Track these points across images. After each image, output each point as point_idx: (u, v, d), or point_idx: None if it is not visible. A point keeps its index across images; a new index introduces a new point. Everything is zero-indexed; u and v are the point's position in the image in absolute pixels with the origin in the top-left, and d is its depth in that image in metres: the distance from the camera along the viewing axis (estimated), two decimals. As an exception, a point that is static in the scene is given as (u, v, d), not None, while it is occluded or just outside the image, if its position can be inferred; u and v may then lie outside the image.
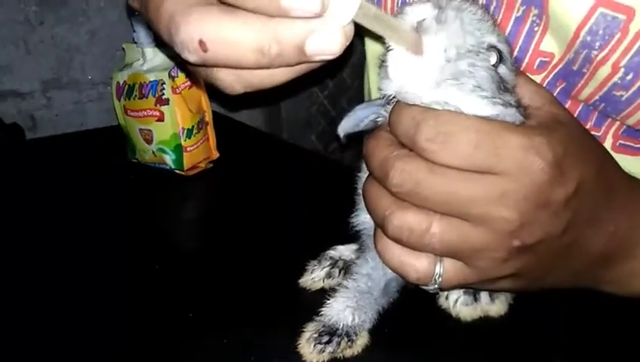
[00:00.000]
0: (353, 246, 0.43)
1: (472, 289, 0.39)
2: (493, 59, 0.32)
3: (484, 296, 0.39)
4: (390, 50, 0.30)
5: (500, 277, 0.33)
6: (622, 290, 0.38)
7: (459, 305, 0.39)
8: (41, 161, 0.70)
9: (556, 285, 0.36)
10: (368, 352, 0.36)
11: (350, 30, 0.25)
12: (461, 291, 0.39)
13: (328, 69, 0.26)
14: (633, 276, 0.37)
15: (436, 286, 0.33)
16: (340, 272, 0.42)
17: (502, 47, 0.32)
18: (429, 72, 0.30)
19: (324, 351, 0.35)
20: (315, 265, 0.43)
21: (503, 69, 0.32)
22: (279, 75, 0.26)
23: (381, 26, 0.27)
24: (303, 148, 0.77)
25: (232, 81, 0.27)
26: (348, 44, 0.25)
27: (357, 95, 0.68)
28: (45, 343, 0.38)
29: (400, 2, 0.47)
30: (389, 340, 0.37)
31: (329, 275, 0.42)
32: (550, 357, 0.36)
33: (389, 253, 0.33)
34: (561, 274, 0.35)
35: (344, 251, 0.44)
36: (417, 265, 0.32)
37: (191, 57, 0.25)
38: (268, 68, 0.26)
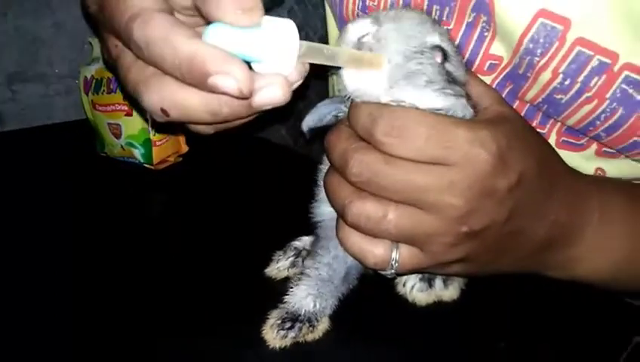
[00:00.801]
0: (316, 237, 0.45)
1: (427, 277, 0.41)
2: (439, 58, 0.34)
3: (438, 282, 0.41)
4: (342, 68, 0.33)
5: (450, 262, 0.36)
6: (565, 275, 0.41)
7: (415, 291, 0.41)
8: (8, 155, 0.69)
9: (503, 270, 0.39)
10: (329, 336, 0.38)
11: (298, 74, 0.29)
12: (417, 278, 0.41)
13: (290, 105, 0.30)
14: (573, 261, 0.40)
15: (393, 271, 0.35)
16: (303, 262, 0.43)
17: (445, 45, 0.35)
18: (382, 81, 0.33)
19: (286, 336, 0.36)
20: (281, 255, 0.45)
21: (449, 66, 0.35)
22: (239, 121, 0.31)
23: (324, 57, 0.30)
24: (272, 142, 0.78)
25: (201, 128, 0.32)
26: (295, 87, 0.29)
27: (326, 89, 0.69)
28: (5, 339, 0.38)
29: (360, 6, 0.48)
30: (348, 325, 0.39)
31: (293, 264, 0.44)
32: (496, 340, 0.38)
33: (350, 240, 0.35)
34: (507, 260, 0.38)
35: (308, 242, 0.45)
36: (375, 251, 0.34)
37: (158, 119, 0.29)
38: (224, 122, 0.30)
